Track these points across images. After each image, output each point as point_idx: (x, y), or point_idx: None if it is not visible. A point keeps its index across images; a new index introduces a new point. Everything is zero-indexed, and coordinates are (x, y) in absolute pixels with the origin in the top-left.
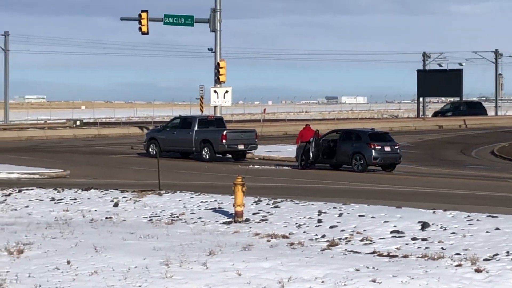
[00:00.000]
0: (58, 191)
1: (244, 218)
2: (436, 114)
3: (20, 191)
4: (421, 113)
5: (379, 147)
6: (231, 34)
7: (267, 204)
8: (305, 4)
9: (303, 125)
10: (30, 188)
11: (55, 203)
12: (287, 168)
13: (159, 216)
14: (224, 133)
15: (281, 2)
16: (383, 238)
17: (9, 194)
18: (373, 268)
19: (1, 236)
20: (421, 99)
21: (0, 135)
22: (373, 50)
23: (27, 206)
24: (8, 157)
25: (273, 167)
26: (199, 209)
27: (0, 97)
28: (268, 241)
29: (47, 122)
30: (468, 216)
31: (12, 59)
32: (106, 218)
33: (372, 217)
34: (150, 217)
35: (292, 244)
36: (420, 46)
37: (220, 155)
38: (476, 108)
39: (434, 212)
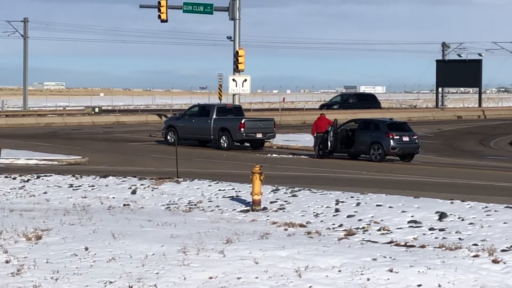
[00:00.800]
0: (77, 178)
1: (262, 206)
2: (322, 107)
3: (38, 177)
4: (440, 103)
5: (398, 137)
6: (250, 22)
7: (285, 193)
8: None
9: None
10: (48, 174)
11: (73, 189)
12: (305, 157)
13: (177, 203)
14: (243, 121)
15: None
16: (401, 228)
17: (28, 180)
18: (390, 257)
19: (20, 222)
20: (440, 89)
21: (19, 121)
22: (393, 40)
23: (45, 193)
24: (26, 143)
25: (291, 156)
26: (217, 197)
27: (19, 83)
28: (286, 229)
29: (65, 109)
30: (486, 206)
31: (31, 46)
32: (124, 205)
33: (390, 206)
34: (168, 204)
35: (309, 233)
36: (440, 36)
37: (238, 144)
38: (368, 101)
39: (452, 203)
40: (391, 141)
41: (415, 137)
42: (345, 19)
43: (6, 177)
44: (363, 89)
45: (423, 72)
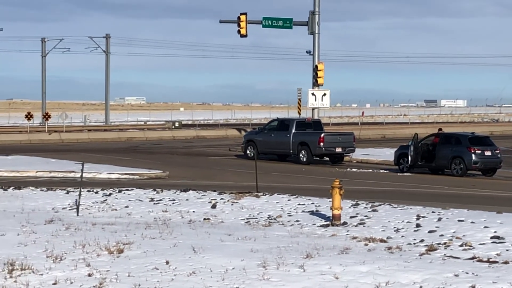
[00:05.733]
0: (157, 192)
1: (342, 221)
2: None
3: (120, 191)
4: None
5: (479, 151)
6: (330, 36)
7: (365, 207)
8: (407, 7)
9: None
10: (129, 188)
11: (154, 203)
12: (385, 171)
13: (256, 218)
14: (322, 136)
15: (382, 4)
16: (483, 243)
17: (110, 194)
18: (473, 274)
19: (102, 235)
20: None
21: (101, 135)
22: (474, 53)
23: (127, 206)
24: (108, 157)
25: (371, 170)
26: (296, 212)
27: (101, 98)
28: (366, 244)
29: (146, 123)
30: None
31: (113, 61)
32: (204, 219)
33: (472, 222)
34: (247, 219)
35: (390, 248)
36: None
37: (318, 158)
38: None
39: None
40: (473, 155)
41: (498, 151)
42: (426, 32)
43: (88, 191)
44: (443, 103)
45: (505, 85)
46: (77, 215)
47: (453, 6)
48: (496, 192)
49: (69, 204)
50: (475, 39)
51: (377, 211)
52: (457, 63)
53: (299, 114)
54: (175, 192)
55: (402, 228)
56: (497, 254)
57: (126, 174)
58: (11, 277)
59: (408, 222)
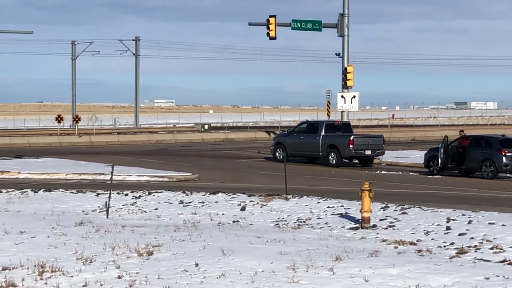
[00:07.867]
0: (187, 194)
1: (371, 224)
2: None
3: (149, 193)
4: None
5: (510, 154)
6: (359, 38)
7: (395, 210)
8: (438, 9)
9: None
10: (159, 191)
11: (183, 206)
12: (415, 174)
13: (285, 220)
14: (351, 138)
15: (414, 7)
16: None
17: (139, 196)
18: (503, 277)
19: (132, 237)
20: None
21: (131, 138)
22: (505, 55)
23: (156, 209)
24: (138, 160)
25: (400, 173)
26: (326, 214)
27: (130, 101)
28: (396, 247)
29: (175, 126)
30: None
31: (142, 64)
32: (233, 221)
33: (503, 225)
34: (276, 221)
35: (420, 251)
36: None
37: (347, 160)
38: None
39: None
40: (504, 158)
41: None
42: (457, 34)
43: (118, 193)
44: (474, 105)
45: None
46: (107, 217)
47: (484, 8)
48: None
49: (98, 207)
50: (506, 41)
51: (407, 213)
52: (488, 65)
53: (329, 116)
54: (204, 195)
55: (432, 231)
56: None
57: (155, 176)
58: (41, 279)
59: (438, 224)
